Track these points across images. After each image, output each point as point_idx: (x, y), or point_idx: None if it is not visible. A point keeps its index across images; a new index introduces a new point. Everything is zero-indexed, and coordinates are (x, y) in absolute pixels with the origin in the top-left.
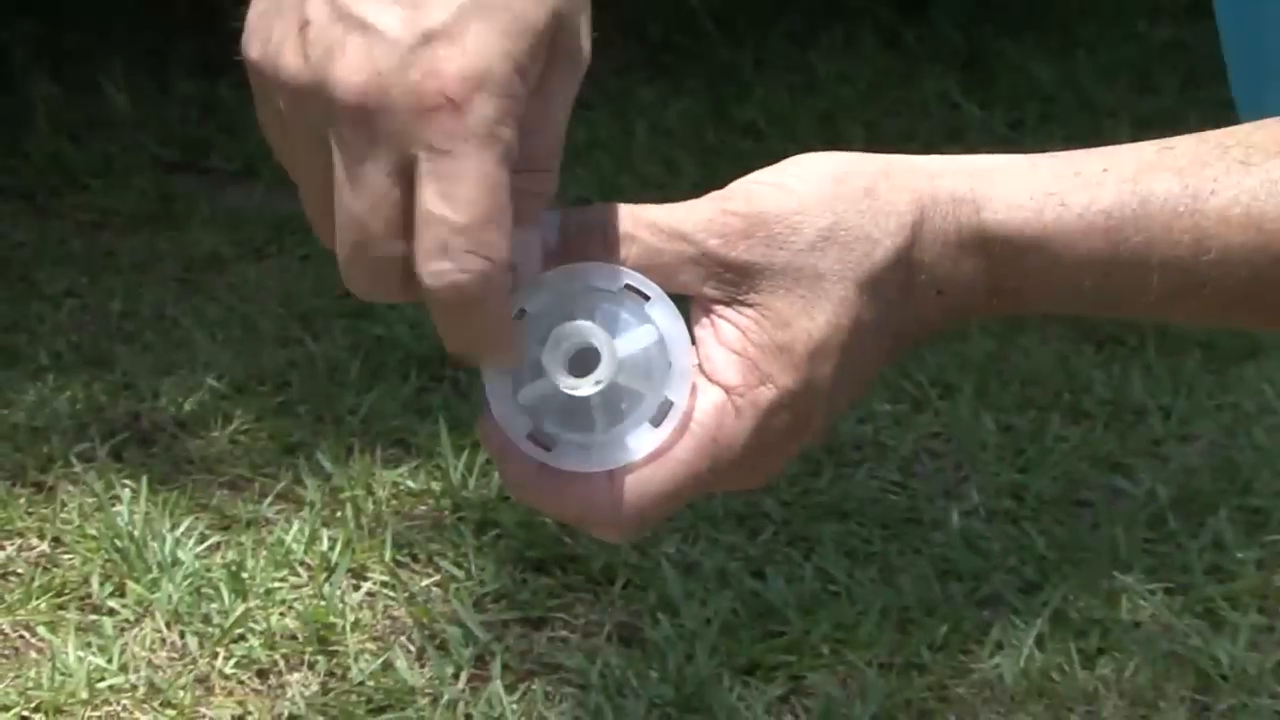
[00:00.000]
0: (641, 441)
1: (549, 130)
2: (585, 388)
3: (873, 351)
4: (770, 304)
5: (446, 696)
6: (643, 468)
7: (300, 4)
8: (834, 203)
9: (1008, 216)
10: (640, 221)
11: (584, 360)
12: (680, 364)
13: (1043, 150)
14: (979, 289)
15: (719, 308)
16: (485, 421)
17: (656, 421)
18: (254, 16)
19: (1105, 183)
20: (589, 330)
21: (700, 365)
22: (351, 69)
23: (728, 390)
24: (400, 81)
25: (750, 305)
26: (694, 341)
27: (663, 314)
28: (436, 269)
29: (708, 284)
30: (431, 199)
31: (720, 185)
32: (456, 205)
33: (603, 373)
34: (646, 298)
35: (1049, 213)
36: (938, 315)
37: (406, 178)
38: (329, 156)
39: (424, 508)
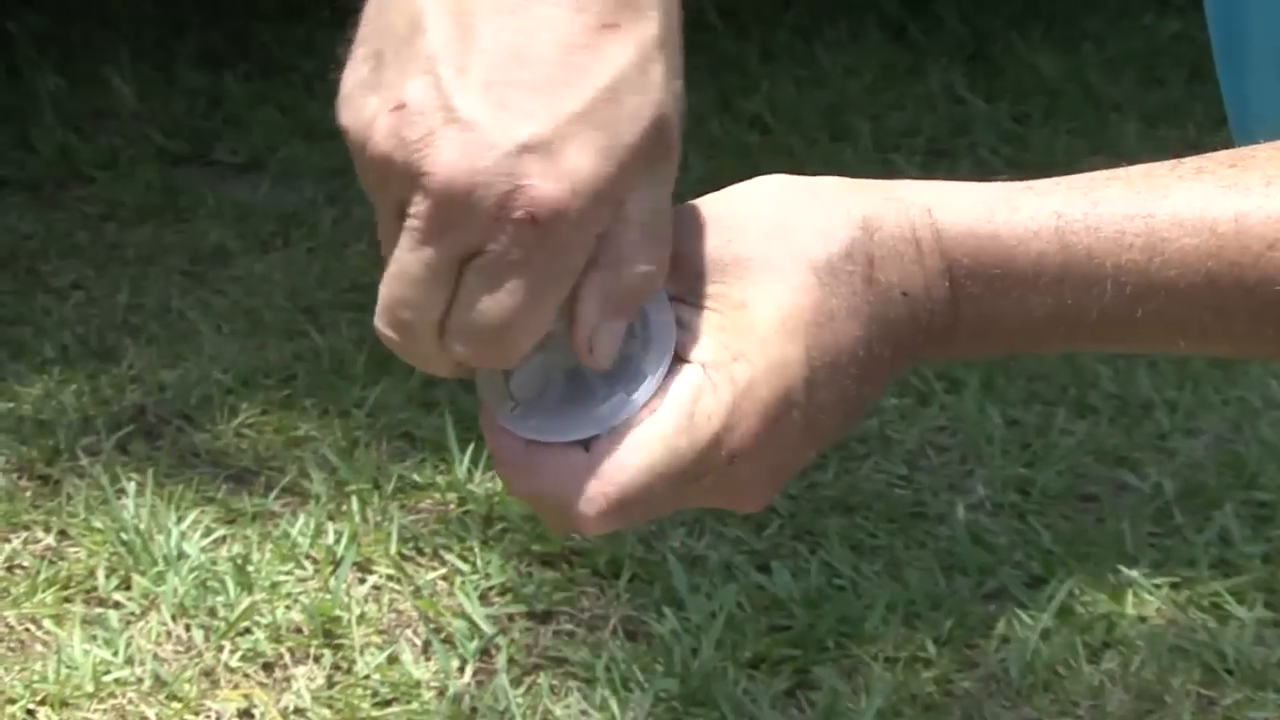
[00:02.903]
0: (615, 411)
1: (636, 227)
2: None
3: (850, 353)
4: (727, 292)
5: (452, 690)
6: (620, 439)
7: (400, 82)
8: (781, 204)
9: (958, 217)
10: None
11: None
12: (659, 340)
13: (1048, 143)
14: (942, 295)
15: (683, 304)
16: (484, 413)
17: (630, 392)
18: (349, 84)
19: (1055, 190)
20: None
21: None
22: (444, 163)
23: (703, 366)
24: (489, 186)
25: (709, 296)
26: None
27: (656, 310)
28: (455, 349)
29: (666, 283)
30: (476, 287)
31: (726, 178)
32: (496, 303)
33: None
34: None
35: (1000, 213)
36: (907, 320)
37: (464, 261)
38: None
39: (429, 501)
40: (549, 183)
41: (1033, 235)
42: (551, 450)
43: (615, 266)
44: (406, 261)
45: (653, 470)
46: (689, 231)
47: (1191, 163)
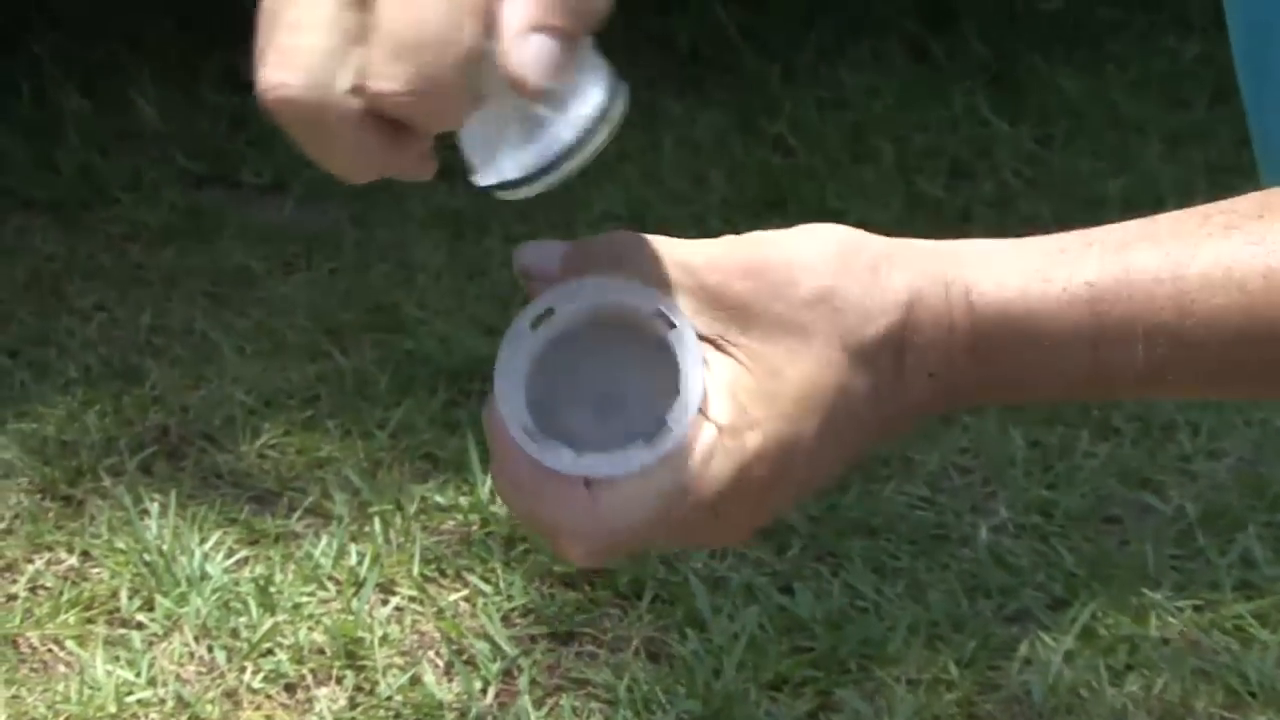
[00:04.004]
0: (630, 460)
1: None
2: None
3: (859, 427)
4: (759, 350)
5: (474, 711)
6: (625, 487)
7: None
8: (836, 271)
9: (995, 296)
10: (647, 250)
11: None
12: (687, 395)
13: (1070, 166)
14: (970, 373)
15: (713, 347)
16: (490, 414)
17: (650, 442)
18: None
19: (1087, 256)
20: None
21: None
22: None
23: (719, 429)
24: None
25: (739, 347)
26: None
27: (683, 345)
28: (381, 85)
29: (700, 318)
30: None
31: (747, 198)
32: (416, 10)
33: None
34: (672, 325)
35: (1034, 289)
36: (928, 398)
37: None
38: None
39: (452, 522)
40: None
41: (1065, 308)
42: (558, 480)
43: None
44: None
45: (649, 525)
46: (738, 272)
47: (1220, 218)
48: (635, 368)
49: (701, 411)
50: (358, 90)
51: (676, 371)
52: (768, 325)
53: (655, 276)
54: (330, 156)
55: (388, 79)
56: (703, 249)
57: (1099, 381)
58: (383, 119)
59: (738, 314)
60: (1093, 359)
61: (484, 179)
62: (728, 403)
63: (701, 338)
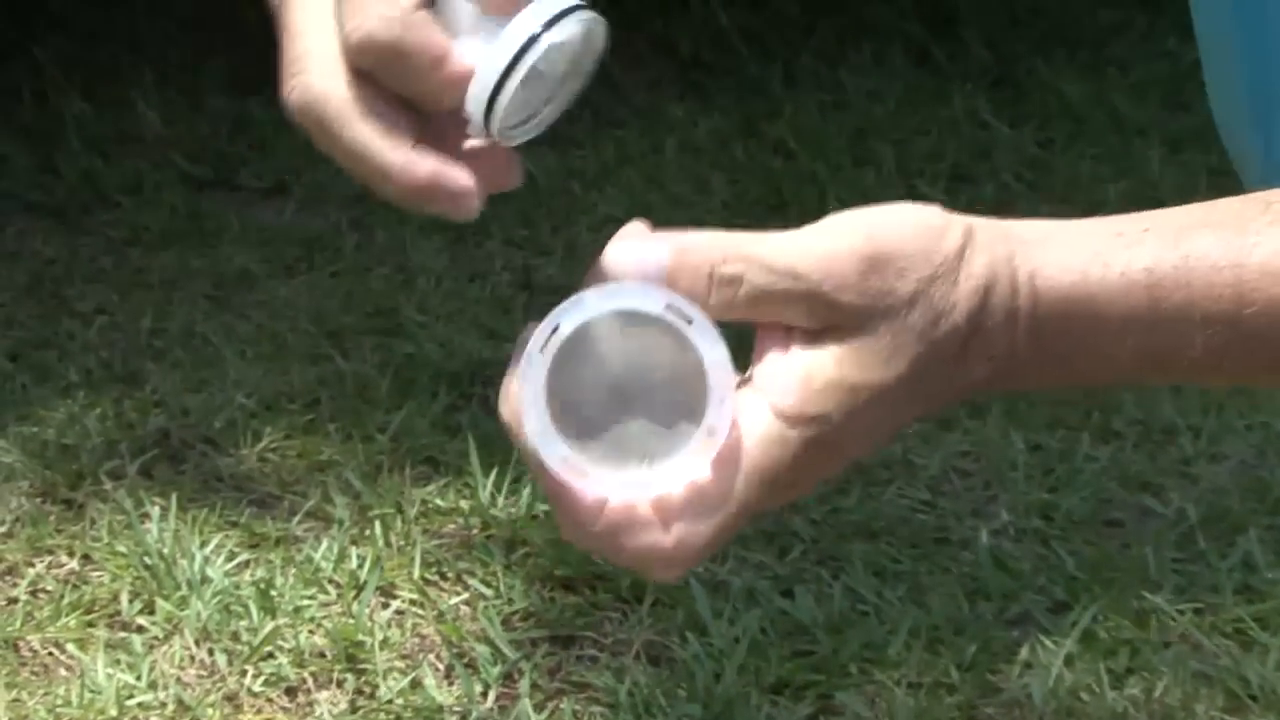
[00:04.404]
0: (679, 471)
1: None
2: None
3: (914, 411)
4: (860, 345)
5: (475, 715)
6: (696, 508)
7: None
8: (934, 255)
9: (1058, 280)
10: (751, 258)
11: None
12: (722, 393)
13: (1072, 169)
14: (1028, 356)
15: (805, 335)
16: (535, 459)
17: (695, 449)
18: None
19: (1145, 241)
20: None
21: (754, 376)
22: None
23: (780, 414)
24: None
25: (839, 342)
26: (756, 359)
27: (705, 339)
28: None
29: (808, 319)
30: None
31: (749, 202)
32: None
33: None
34: (689, 321)
35: (1094, 274)
36: (983, 378)
37: None
38: None
39: (453, 526)
40: None
41: (1123, 294)
42: (627, 517)
43: None
44: None
45: (730, 530)
46: (853, 278)
47: None
48: (657, 364)
49: (760, 390)
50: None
51: (701, 367)
52: (875, 321)
53: (756, 286)
54: (353, 148)
55: (350, 32)
56: (804, 251)
57: (1153, 365)
58: (384, 94)
59: (848, 315)
60: (1148, 344)
61: (475, 130)
62: (798, 390)
63: (803, 330)
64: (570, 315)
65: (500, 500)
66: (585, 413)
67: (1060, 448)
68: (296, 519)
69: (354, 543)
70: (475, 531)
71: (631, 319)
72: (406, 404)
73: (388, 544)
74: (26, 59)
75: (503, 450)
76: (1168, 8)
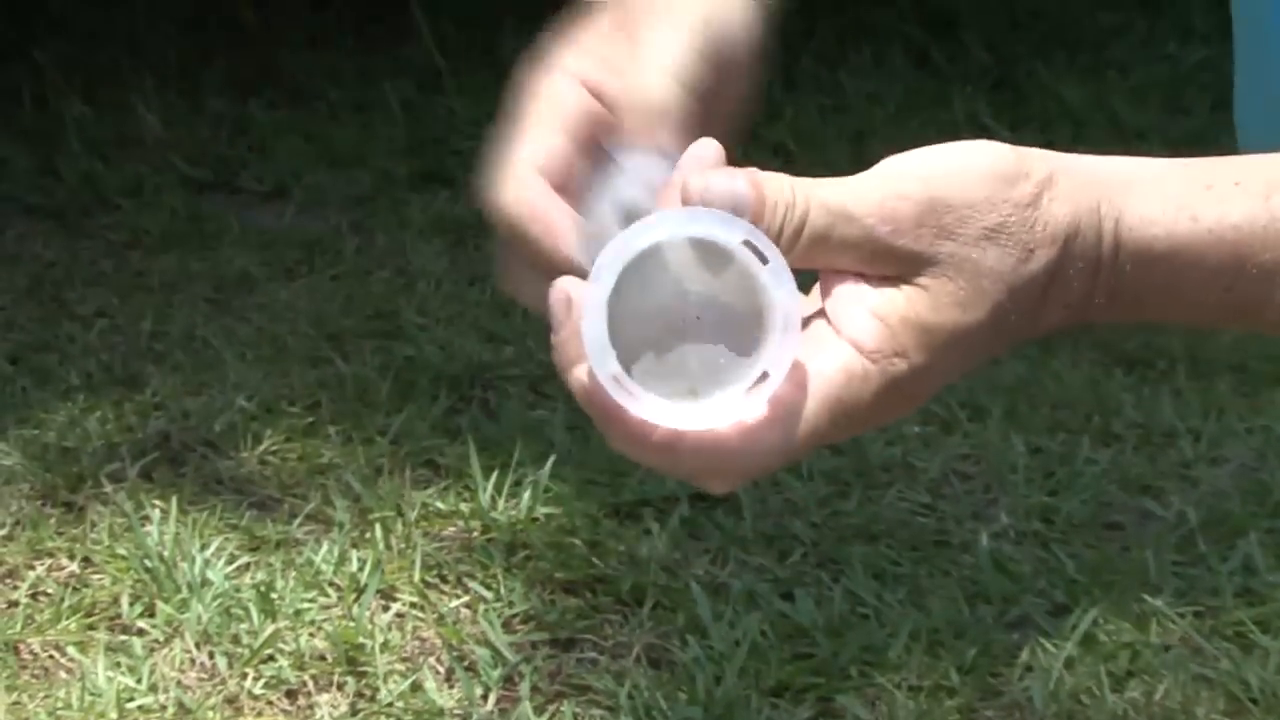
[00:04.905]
0: (728, 409)
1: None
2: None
3: (988, 355)
4: (930, 287)
5: (475, 717)
6: (767, 426)
7: None
8: (1002, 204)
9: (1143, 233)
10: (810, 197)
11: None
12: (784, 337)
13: None
14: (1103, 305)
15: (872, 279)
16: (596, 384)
17: (749, 390)
18: None
19: (1236, 198)
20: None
21: (829, 316)
22: None
23: (858, 349)
24: None
25: (906, 281)
26: (826, 296)
27: (777, 281)
28: None
29: (869, 264)
30: None
31: None
32: None
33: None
34: (764, 260)
35: (1180, 228)
36: (1055, 323)
37: None
38: None
39: (453, 529)
40: None
41: (1209, 250)
42: (681, 435)
43: None
44: None
45: (793, 453)
46: (909, 223)
47: None
48: (723, 298)
49: (836, 329)
50: None
51: (768, 308)
52: (940, 265)
53: (812, 225)
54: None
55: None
56: (860, 195)
57: (1230, 317)
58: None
59: (909, 260)
60: (1228, 299)
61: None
62: (876, 327)
63: (868, 274)
64: (646, 232)
65: (501, 503)
66: (641, 332)
67: (1060, 451)
68: (297, 522)
69: (354, 545)
70: (476, 534)
71: (706, 248)
72: (407, 407)
73: (388, 547)
74: (27, 62)
75: (503, 453)
76: (1168, 11)
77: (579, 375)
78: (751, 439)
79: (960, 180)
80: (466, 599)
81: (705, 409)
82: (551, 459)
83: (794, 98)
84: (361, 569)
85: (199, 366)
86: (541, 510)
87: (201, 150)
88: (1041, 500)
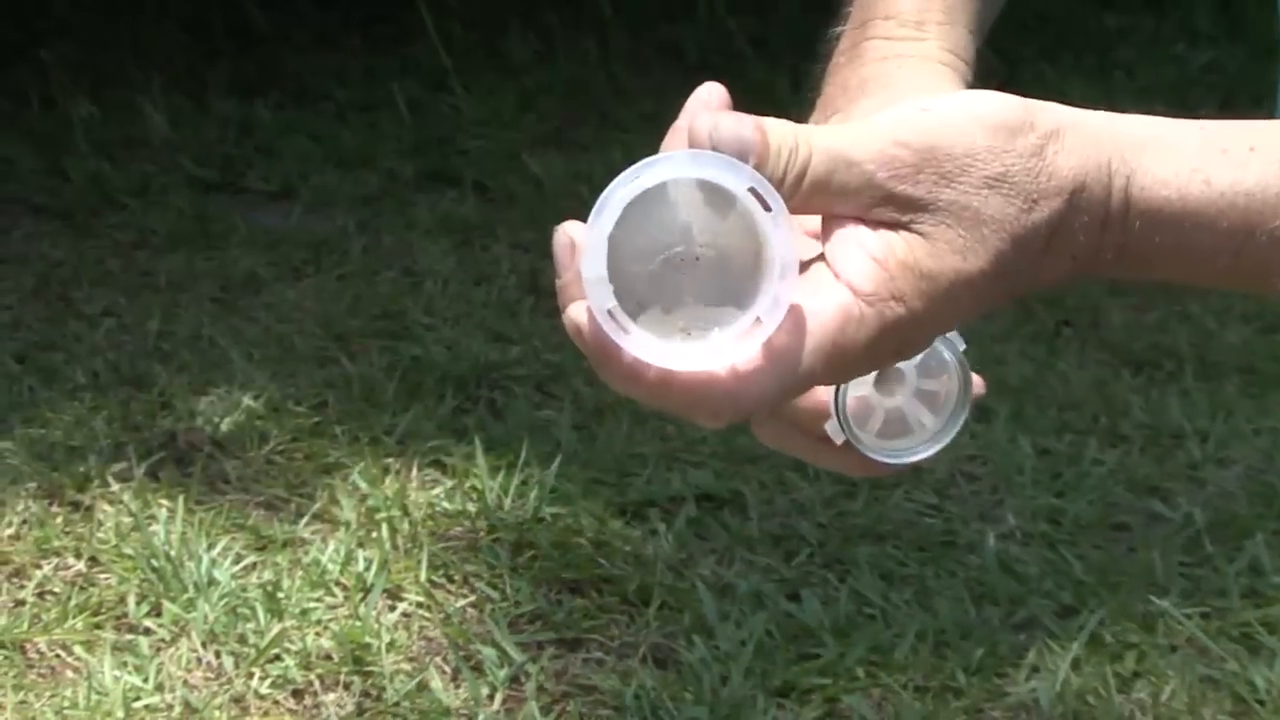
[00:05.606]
0: (722, 351)
1: None
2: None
3: (990, 304)
4: (930, 234)
5: (481, 717)
6: (761, 367)
7: None
8: (1004, 154)
9: (1154, 194)
10: (813, 143)
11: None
12: (780, 286)
13: None
14: (1110, 260)
15: (874, 224)
16: (590, 316)
17: (744, 334)
18: None
19: (1250, 163)
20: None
21: (828, 260)
22: None
23: (855, 292)
24: None
25: (905, 227)
26: (826, 240)
27: (777, 230)
28: None
29: (869, 211)
30: None
31: None
32: None
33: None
34: (768, 208)
35: (1193, 191)
36: (1060, 276)
37: None
38: None
39: (459, 529)
40: None
41: (1221, 214)
42: (678, 374)
43: None
44: None
45: (787, 393)
46: (909, 168)
47: None
48: (723, 241)
49: (834, 273)
50: None
51: (766, 255)
52: (940, 213)
53: (814, 170)
54: None
55: None
56: (861, 141)
57: (1237, 279)
58: None
59: (909, 206)
60: (1236, 263)
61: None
62: (873, 270)
63: (868, 219)
64: (653, 170)
65: (507, 503)
66: (642, 270)
67: (1068, 452)
68: (303, 521)
69: (361, 545)
70: (482, 534)
71: (712, 191)
72: (413, 407)
73: (394, 546)
74: (34, 64)
75: (510, 453)
76: (1174, 12)
77: (575, 313)
78: (745, 380)
79: (963, 129)
80: (473, 599)
81: (699, 350)
82: (558, 459)
83: (800, 100)
84: (368, 568)
85: (206, 366)
86: (548, 510)
87: (208, 150)
88: (1048, 501)
